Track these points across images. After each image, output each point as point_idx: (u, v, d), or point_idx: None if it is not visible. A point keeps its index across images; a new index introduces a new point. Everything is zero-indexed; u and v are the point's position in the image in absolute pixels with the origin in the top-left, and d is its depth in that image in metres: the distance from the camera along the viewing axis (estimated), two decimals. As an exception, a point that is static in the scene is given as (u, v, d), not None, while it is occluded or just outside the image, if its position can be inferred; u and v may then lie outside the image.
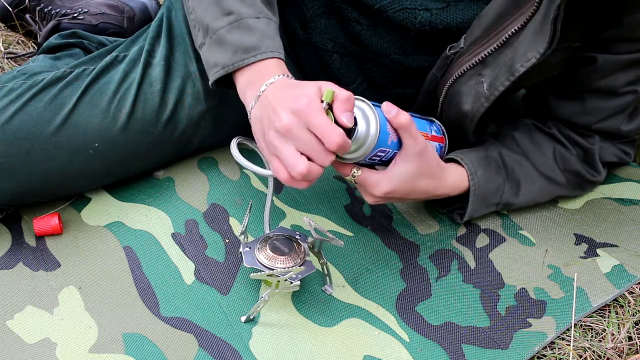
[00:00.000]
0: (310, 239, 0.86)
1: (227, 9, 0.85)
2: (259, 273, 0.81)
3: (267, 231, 0.90)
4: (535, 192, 0.97)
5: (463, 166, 0.91)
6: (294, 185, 0.77)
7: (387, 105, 0.80)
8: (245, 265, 0.83)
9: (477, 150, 0.94)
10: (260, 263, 0.83)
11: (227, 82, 0.88)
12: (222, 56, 0.84)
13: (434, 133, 0.92)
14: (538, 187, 0.96)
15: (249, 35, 0.84)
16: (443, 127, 0.95)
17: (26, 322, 0.84)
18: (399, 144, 0.81)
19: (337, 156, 0.79)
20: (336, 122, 0.75)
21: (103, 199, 1.00)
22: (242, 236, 0.88)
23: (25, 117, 0.90)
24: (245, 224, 0.87)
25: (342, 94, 0.74)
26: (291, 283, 0.82)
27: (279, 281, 0.81)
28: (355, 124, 0.77)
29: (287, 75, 0.82)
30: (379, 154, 0.80)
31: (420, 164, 0.82)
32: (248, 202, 0.93)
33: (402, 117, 0.79)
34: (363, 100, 0.79)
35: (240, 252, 0.86)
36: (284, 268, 0.82)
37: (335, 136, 0.72)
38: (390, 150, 0.81)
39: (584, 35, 0.86)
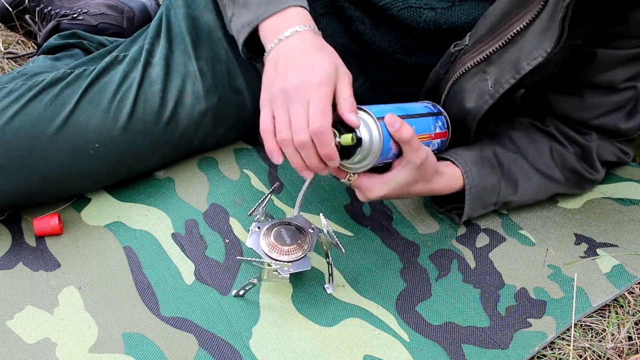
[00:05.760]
0: (322, 235, 0.87)
1: None
2: (245, 259, 0.83)
3: (296, 213, 0.89)
4: (534, 189, 0.96)
5: (457, 166, 0.91)
6: (265, 141, 0.79)
7: (390, 118, 0.80)
8: (246, 244, 0.84)
9: (471, 150, 0.94)
10: (261, 248, 0.84)
11: (256, 49, 0.86)
12: (248, 15, 0.83)
13: (437, 130, 0.91)
14: (536, 184, 0.96)
15: None
16: (448, 118, 0.94)
17: (26, 322, 0.84)
18: (399, 154, 0.82)
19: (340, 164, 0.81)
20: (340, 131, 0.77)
21: (103, 199, 1.00)
22: (258, 214, 0.88)
23: (25, 117, 0.90)
24: (265, 203, 0.88)
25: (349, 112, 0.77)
26: (279, 275, 0.83)
27: (267, 270, 0.83)
28: (360, 137, 0.78)
29: (312, 28, 0.81)
30: (378, 164, 0.82)
31: (418, 173, 0.83)
32: (272, 185, 0.96)
33: (405, 131, 0.79)
34: (368, 113, 0.80)
35: (249, 229, 0.86)
36: (276, 260, 0.83)
37: (320, 124, 0.74)
38: (390, 160, 0.83)
39: (587, 33, 0.86)
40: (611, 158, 0.99)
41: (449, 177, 0.90)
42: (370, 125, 0.79)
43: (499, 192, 0.94)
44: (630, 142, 1.01)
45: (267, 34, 0.82)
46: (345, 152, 0.80)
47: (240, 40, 0.84)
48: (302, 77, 0.75)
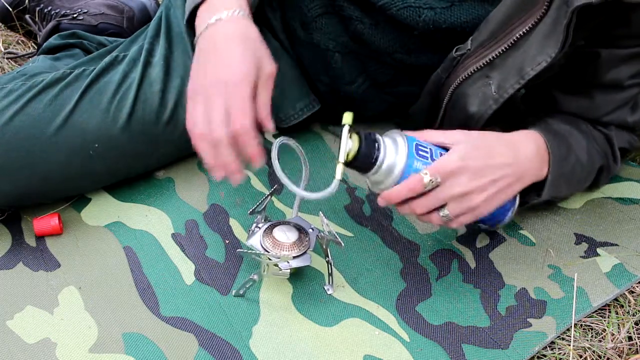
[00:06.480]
0: (321, 234, 0.87)
1: None
2: (245, 250, 0.83)
3: (295, 215, 0.89)
4: (589, 163, 0.93)
5: (534, 132, 0.87)
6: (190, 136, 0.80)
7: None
8: (246, 242, 0.85)
9: (535, 126, 0.90)
10: (261, 245, 0.84)
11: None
12: None
13: None
14: (589, 157, 0.93)
15: None
16: None
17: (26, 322, 0.84)
18: (437, 147, 0.81)
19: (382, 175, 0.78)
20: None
21: (103, 199, 1.00)
22: (259, 215, 0.88)
23: (25, 118, 0.90)
24: (265, 204, 0.88)
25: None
26: (280, 269, 0.83)
27: (268, 265, 0.83)
28: (378, 149, 0.76)
29: (242, 13, 0.80)
30: (421, 148, 0.78)
31: (471, 132, 0.80)
32: (272, 186, 0.97)
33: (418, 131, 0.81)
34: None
35: (249, 229, 0.87)
36: (276, 254, 0.83)
37: (240, 126, 0.75)
38: (433, 149, 0.79)
39: (590, 34, 0.86)
40: (625, 145, 0.98)
41: (523, 134, 0.86)
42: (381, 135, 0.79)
43: (571, 162, 0.90)
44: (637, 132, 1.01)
45: (200, 15, 0.83)
46: (364, 160, 0.77)
47: (185, 19, 0.86)
48: (219, 76, 0.75)
